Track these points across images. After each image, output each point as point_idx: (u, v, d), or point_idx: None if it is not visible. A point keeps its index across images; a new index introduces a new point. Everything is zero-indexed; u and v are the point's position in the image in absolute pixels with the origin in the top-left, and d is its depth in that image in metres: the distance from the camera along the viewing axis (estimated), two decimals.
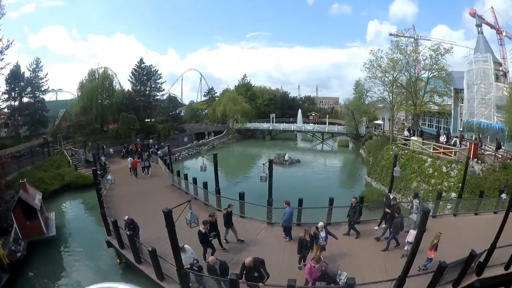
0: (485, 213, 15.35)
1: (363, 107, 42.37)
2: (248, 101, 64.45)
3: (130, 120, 39.30)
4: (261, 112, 70.79)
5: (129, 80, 45.74)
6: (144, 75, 45.33)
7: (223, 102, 58.91)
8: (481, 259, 9.65)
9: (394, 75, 29.26)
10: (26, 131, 37.53)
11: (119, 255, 12.92)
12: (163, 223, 7.70)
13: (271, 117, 64.58)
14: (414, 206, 13.63)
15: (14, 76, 35.90)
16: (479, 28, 34.63)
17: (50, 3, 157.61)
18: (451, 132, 30.59)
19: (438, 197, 16.34)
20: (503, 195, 15.75)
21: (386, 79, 30.17)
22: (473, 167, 18.87)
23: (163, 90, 50.45)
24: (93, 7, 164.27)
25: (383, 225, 12.73)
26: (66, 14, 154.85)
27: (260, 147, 51.59)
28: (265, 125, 61.15)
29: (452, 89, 29.96)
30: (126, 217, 12.10)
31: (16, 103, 37.16)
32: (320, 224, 10.45)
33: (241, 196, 14.91)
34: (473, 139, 25.48)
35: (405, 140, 27.02)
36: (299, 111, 72.71)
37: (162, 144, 36.71)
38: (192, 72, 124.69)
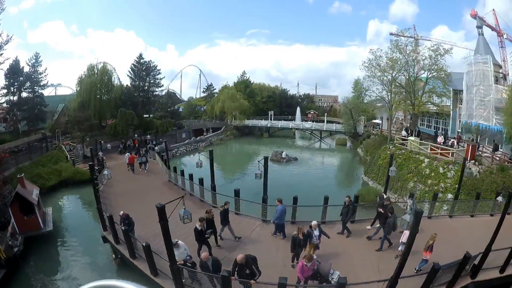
0: (481, 215, 15.35)
1: (362, 106, 42.30)
2: (247, 98, 64.48)
3: (128, 115, 39.28)
4: (259, 109, 70.82)
5: (128, 75, 45.62)
6: (143, 70, 45.13)
7: (221, 99, 58.93)
8: (476, 261, 9.64)
9: (393, 74, 29.22)
10: (25, 126, 37.37)
11: (114, 251, 12.96)
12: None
13: (269, 115, 64.59)
14: (408, 207, 13.65)
15: (13, 71, 35.72)
16: (479, 29, 34.66)
17: None
18: (449, 133, 30.63)
19: (433, 198, 16.30)
20: (499, 198, 15.73)
21: (385, 78, 30.13)
22: (470, 168, 18.83)
23: (162, 86, 50.33)
24: (93, 2, 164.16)
25: (376, 225, 12.76)
26: (65, 9, 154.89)
27: (258, 145, 51.65)
28: (263, 122, 61.20)
29: (451, 90, 29.95)
30: (121, 212, 12.16)
31: (15, 98, 36.98)
32: (314, 222, 10.50)
33: (237, 193, 14.89)
34: (470, 140, 25.49)
35: (403, 140, 27.04)
36: (298, 109, 72.77)
37: (160, 140, 36.67)
38: (191, 68, 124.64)
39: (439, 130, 32.95)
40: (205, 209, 12.94)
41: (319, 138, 55.99)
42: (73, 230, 17.01)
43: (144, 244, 9.77)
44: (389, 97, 30.95)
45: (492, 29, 37.74)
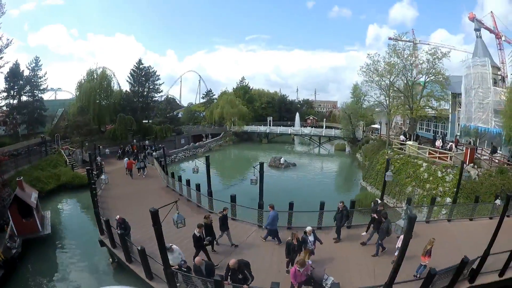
0: (480, 219, 15.24)
1: (360, 111, 42.33)
2: (246, 104, 64.52)
3: (127, 121, 39.35)
4: (258, 115, 70.80)
5: (127, 80, 45.96)
6: (143, 76, 45.43)
7: (220, 105, 58.94)
8: (475, 265, 9.51)
9: (391, 79, 29.28)
10: (24, 129, 37.55)
11: (111, 254, 12.97)
12: None
13: (268, 120, 64.66)
14: (403, 212, 13.57)
15: (14, 75, 35.93)
16: (477, 32, 34.83)
17: (50, 1, 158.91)
18: (448, 136, 30.58)
19: (432, 202, 16.18)
20: (498, 201, 15.63)
21: (383, 83, 30.19)
22: (469, 172, 18.80)
23: (161, 91, 50.64)
24: (94, 6, 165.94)
25: (371, 230, 12.70)
26: (66, 13, 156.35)
27: (257, 150, 51.59)
28: (262, 128, 61.29)
29: (450, 93, 29.95)
30: (118, 216, 12.18)
31: (15, 101, 37.15)
32: (308, 228, 10.43)
33: (233, 198, 14.86)
34: (468, 143, 25.47)
35: (401, 144, 27.02)
36: (297, 114, 72.76)
37: (159, 145, 36.74)
38: (191, 73, 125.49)
39: (438, 134, 32.91)
40: (201, 214, 12.96)
41: (318, 143, 55.93)
42: (71, 234, 17.07)
43: (139, 248, 9.77)
44: (387, 101, 30.98)
45: (490, 31, 37.82)
